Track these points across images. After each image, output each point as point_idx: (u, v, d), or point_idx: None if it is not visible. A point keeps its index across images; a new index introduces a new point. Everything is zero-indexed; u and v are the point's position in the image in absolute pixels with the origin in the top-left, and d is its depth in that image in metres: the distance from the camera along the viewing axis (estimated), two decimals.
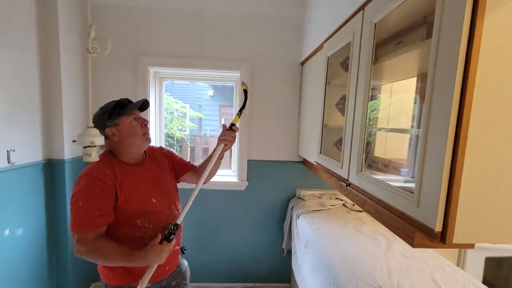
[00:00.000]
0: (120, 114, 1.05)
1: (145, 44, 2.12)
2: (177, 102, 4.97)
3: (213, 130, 7.13)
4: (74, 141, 1.83)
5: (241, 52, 2.16)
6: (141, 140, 1.09)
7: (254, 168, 2.29)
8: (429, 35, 1.12)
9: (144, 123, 1.11)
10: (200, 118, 6.62)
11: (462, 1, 0.60)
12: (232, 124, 1.19)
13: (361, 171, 1.08)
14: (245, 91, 1.24)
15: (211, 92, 6.74)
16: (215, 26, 2.13)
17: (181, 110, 5.26)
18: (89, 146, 1.75)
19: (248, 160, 2.28)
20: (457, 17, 0.61)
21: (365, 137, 1.10)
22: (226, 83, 2.39)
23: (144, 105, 1.13)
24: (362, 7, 1.13)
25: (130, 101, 1.10)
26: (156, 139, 2.35)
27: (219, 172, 2.15)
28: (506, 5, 0.59)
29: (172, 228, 1.04)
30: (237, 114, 1.21)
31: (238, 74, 2.22)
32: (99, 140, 1.78)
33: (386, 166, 1.45)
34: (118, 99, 1.09)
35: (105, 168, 1.04)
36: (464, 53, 0.61)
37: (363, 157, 1.10)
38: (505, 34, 0.59)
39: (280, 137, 2.28)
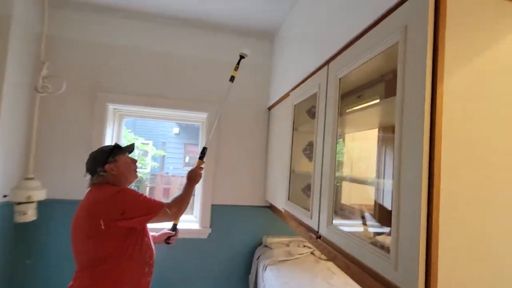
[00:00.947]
0: (118, 153, 1.28)
1: (105, 80, 2.01)
2: (137, 139, 4.70)
3: (177, 169, 6.79)
4: (5, 196, 1.50)
5: (209, 94, 2.15)
6: (133, 174, 1.33)
7: (219, 214, 2.15)
8: (387, 92, 1.21)
9: (135, 161, 1.35)
10: (163, 156, 6.32)
11: (423, 65, 0.64)
12: (232, 77, 1.73)
13: (332, 223, 1.04)
14: (241, 57, 1.72)
15: (176, 130, 6.58)
16: (182, 67, 2.13)
17: (142, 148, 4.99)
18: (25, 203, 1.39)
19: (212, 205, 2.14)
20: (419, 79, 0.65)
21: (334, 187, 1.08)
22: (192, 123, 2.33)
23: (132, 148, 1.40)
24: (326, 63, 1.20)
25: (119, 145, 1.34)
26: None
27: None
28: (463, 69, 0.64)
29: (203, 150, 1.57)
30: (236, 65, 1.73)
31: (205, 116, 2.18)
32: (38, 194, 1.45)
33: (353, 213, 1.44)
34: (111, 144, 1.40)
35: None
36: (429, 112, 0.62)
37: (333, 208, 1.07)
38: (465, 93, 0.64)
39: (247, 181, 2.21)
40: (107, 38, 2.03)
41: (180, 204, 1.32)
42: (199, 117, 2.25)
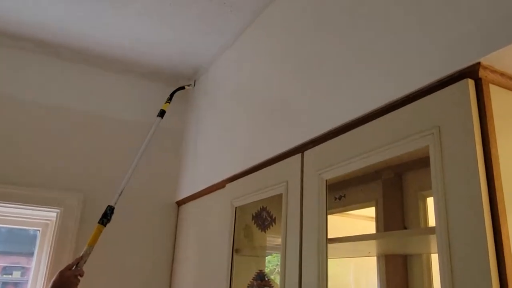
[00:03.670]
0: None
1: None
2: None
3: None
4: None
5: (64, 177, 1.28)
6: None
7: None
8: (386, 196, 0.86)
9: None
10: None
11: (474, 185, 0.42)
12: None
13: None
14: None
15: None
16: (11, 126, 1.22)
17: None
18: None
19: None
20: (468, 204, 0.43)
21: None
22: (26, 227, 1.27)
23: None
24: (298, 150, 0.81)
25: None
26: None
27: None
28: None
29: (108, 210, 1.10)
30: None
31: (55, 214, 1.22)
32: None
33: None
34: None
35: None
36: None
37: None
38: None
39: None
40: None
41: None
42: (40, 216, 1.24)
